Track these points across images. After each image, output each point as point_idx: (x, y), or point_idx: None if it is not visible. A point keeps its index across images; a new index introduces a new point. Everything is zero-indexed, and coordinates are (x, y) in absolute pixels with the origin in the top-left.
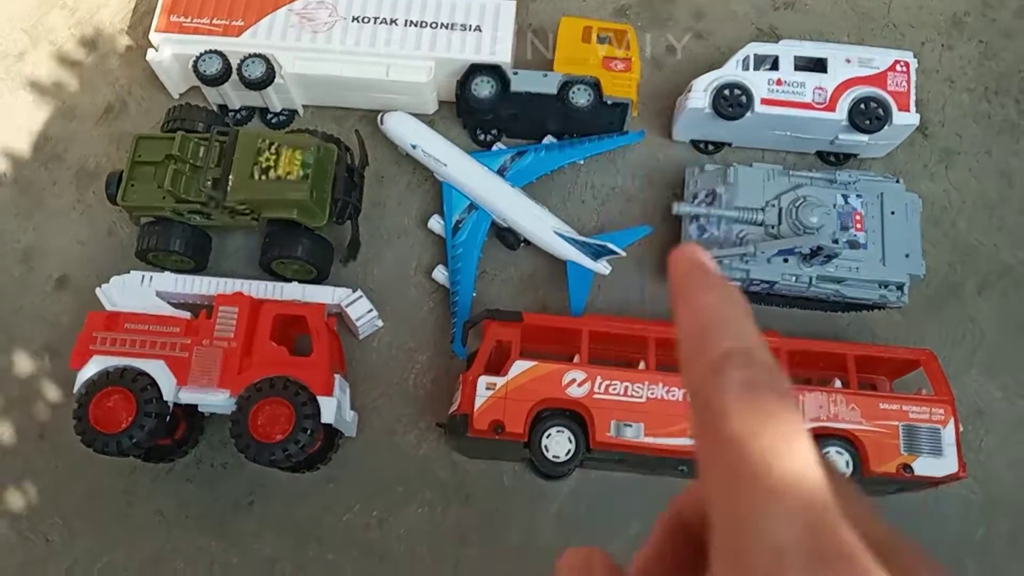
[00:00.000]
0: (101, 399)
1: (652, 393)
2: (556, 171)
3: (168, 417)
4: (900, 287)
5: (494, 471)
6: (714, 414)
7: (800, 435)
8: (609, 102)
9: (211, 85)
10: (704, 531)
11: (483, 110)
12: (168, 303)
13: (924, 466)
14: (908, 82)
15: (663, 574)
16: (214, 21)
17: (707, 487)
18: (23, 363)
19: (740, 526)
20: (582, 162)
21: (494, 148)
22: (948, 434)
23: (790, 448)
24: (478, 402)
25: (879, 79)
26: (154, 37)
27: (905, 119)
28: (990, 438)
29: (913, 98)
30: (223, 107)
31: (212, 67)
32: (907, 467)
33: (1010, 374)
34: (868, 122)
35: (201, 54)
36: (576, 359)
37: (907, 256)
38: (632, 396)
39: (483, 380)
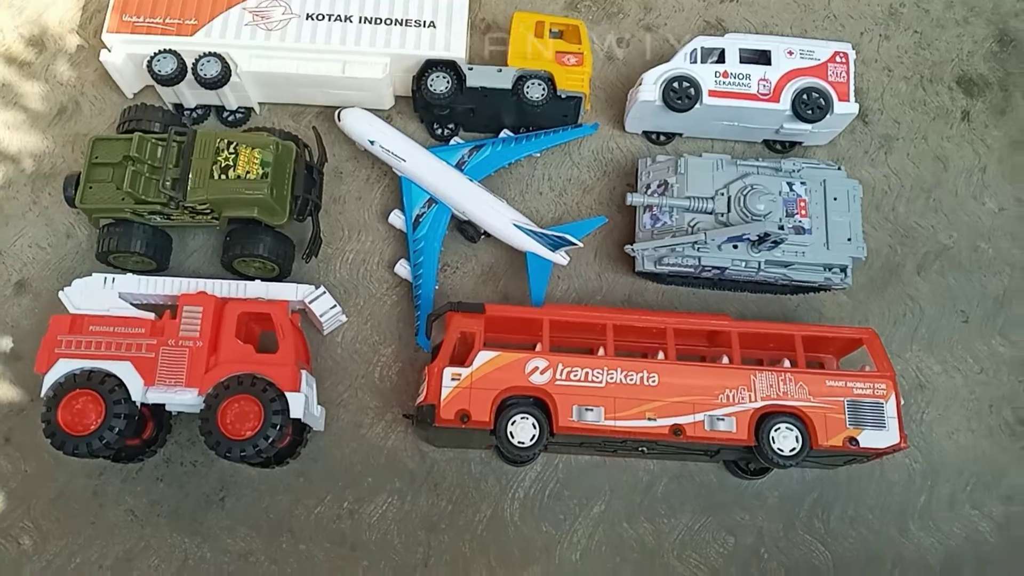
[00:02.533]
0: (69, 402)
1: (611, 378)
2: (514, 164)
3: (137, 417)
4: (843, 269)
5: (462, 459)
6: None
7: None
8: (563, 96)
9: (166, 85)
10: None
11: (439, 105)
12: (131, 304)
13: (868, 438)
14: (847, 72)
15: None
16: (167, 20)
17: None
18: None
19: None
20: (538, 155)
21: (452, 142)
22: (890, 408)
23: None
24: (444, 392)
25: (820, 70)
26: (106, 38)
27: (845, 108)
28: (931, 410)
29: (852, 88)
30: (178, 106)
31: (167, 67)
32: (853, 440)
33: (948, 349)
34: (810, 112)
35: (155, 54)
36: (538, 347)
37: (849, 240)
38: (592, 381)
39: (448, 371)
